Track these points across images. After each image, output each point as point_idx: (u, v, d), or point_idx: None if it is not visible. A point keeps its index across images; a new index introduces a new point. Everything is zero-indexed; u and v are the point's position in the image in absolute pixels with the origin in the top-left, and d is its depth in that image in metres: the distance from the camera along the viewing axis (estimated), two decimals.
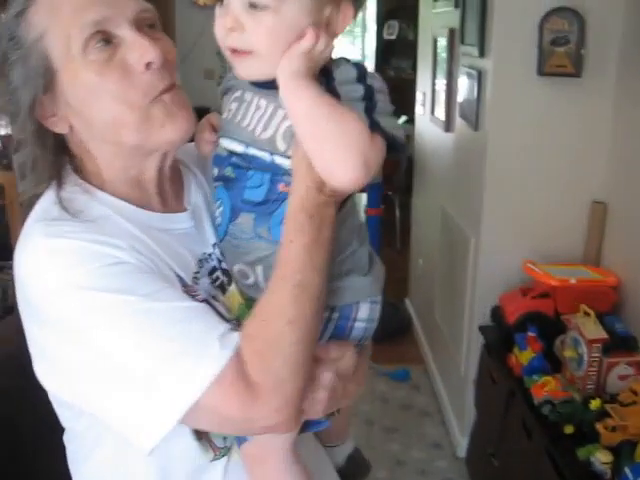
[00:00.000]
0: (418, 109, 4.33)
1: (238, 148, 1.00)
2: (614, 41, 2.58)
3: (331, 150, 0.90)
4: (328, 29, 0.93)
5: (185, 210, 1.12)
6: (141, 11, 1.00)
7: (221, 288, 1.09)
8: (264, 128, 0.97)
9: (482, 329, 2.80)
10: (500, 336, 2.65)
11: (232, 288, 1.10)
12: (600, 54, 2.58)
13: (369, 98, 0.93)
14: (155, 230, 1.03)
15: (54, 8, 0.95)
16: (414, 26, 5.76)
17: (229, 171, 1.02)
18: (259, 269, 1.01)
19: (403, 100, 6.57)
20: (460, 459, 3.21)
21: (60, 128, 1.01)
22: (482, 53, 2.74)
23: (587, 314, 2.30)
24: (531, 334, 2.43)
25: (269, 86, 0.96)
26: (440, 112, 3.56)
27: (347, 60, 0.98)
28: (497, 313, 2.70)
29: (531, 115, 2.68)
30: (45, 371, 0.98)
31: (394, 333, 4.40)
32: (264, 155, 0.97)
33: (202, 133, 1.10)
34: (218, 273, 1.10)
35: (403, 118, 6.77)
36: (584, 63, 2.56)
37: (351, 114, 0.89)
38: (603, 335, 2.22)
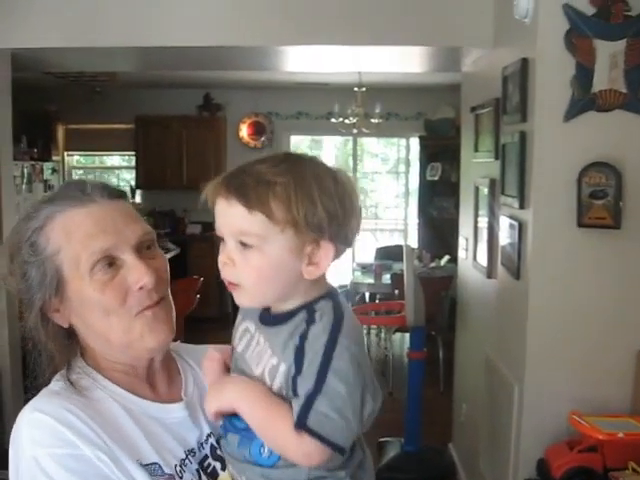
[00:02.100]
0: (461, 253, 4.39)
1: None
2: None
3: (274, 445, 1.03)
4: (311, 263, 1.03)
5: (181, 400, 1.23)
6: (143, 234, 1.17)
7: (212, 475, 1.18)
8: (256, 364, 1.07)
9: None
10: None
11: (225, 475, 1.17)
12: (639, 206, 2.63)
13: (320, 379, 0.99)
14: (147, 417, 1.15)
15: (68, 232, 1.12)
16: (456, 167, 5.94)
17: None
18: (244, 479, 1.09)
19: (446, 239, 6.71)
20: None
21: (61, 322, 1.17)
22: (522, 205, 2.81)
23: (636, 471, 2.24)
24: None
25: (269, 322, 1.08)
26: (482, 258, 3.61)
27: (334, 310, 1.04)
28: (543, 467, 2.63)
29: (572, 266, 2.71)
30: None
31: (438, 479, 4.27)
32: None
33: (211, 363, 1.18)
34: (210, 460, 1.19)
35: (446, 257, 6.87)
36: (623, 215, 2.61)
37: (276, 418, 1.00)
38: None
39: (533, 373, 2.80)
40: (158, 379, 1.23)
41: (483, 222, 3.64)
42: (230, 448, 1.10)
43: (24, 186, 6.34)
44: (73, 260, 1.11)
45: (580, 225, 2.65)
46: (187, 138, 8.28)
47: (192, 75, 7.03)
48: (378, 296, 7.06)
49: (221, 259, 1.05)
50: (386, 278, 6.65)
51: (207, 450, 1.20)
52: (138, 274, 1.12)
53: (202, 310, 6.11)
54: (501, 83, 3.15)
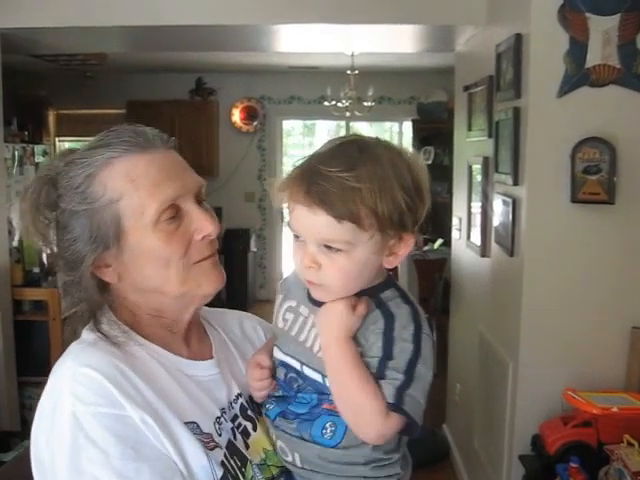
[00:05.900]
0: (454, 233, 4.39)
1: (294, 364, 1.11)
2: None
3: (351, 416, 1.03)
4: (391, 254, 1.07)
5: (211, 357, 1.21)
6: (200, 185, 1.15)
7: (244, 434, 1.17)
8: (320, 347, 1.07)
9: (522, 458, 2.72)
10: (541, 467, 2.57)
11: (257, 434, 1.18)
12: (633, 181, 2.62)
13: (412, 367, 1.03)
14: (182, 375, 1.12)
15: (132, 179, 1.06)
16: (449, 151, 5.90)
17: (279, 391, 1.14)
18: (297, 455, 1.11)
19: (439, 223, 6.70)
20: None
21: (110, 278, 1.10)
22: (516, 181, 2.80)
23: (631, 444, 2.24)
24: (573, 465, 2.36)
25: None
26: (476, 237, 3.61)
27: (405, 298, 1.09)
28: (538, 442, 2.63)
29: (566, 242, 2.70)
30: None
31: (431, 460, 4.28)
32: (317, 377, 1.07)
33: (252, 373, 1.18)
34: (240, 420, 1.18)
35: (439, 241, 6.86)
36: (617, 190, 2.60)
37: (369, 393, 1.00)
38: None
39: (527, 350, 2.80)
40: (193, 337, 1.21)
41: (476, 201, 3.63)
42: (286, 426, 1.11)
43: (15, 169, 6.28)
44: (138, 209, 1.06)
45: (574, 201, 2.63)
46: (179, 123, 8.21)
47: (184, 59, 6.98)
48: None
49: (306, 263, 1.04)
50: None
51: (237, 410, 1.18)
52: (203, 224, 1.11)
53: None
54: (495, 60, 3.14)
